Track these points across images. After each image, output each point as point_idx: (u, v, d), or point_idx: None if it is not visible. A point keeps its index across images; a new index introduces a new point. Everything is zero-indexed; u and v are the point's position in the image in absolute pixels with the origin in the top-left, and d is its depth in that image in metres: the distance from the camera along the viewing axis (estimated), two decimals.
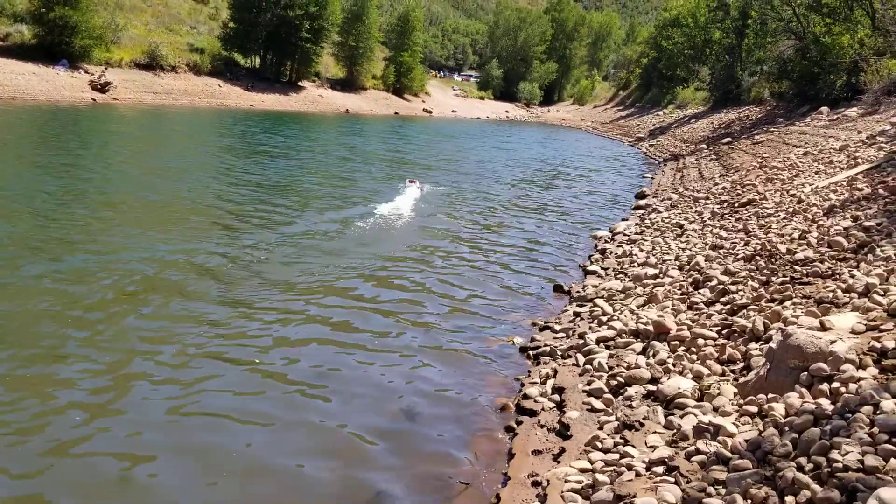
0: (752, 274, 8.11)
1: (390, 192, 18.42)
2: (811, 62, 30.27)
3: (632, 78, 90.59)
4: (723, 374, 5.86)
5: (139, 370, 6.69)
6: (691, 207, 15.26)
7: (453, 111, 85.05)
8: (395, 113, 70.31)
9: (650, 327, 7.19)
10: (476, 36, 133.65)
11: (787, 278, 7.43)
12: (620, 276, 10.55)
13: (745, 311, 6.98)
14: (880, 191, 9.98)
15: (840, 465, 3.73)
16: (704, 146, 31.68)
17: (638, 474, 4.57)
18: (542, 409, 6.23)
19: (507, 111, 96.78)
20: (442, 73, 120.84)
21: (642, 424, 5.33)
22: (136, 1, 57.65)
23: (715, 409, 5.23)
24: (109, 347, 7.13)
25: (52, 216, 12.33)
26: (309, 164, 23.87)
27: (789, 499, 3.68)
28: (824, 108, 26.52)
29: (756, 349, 5.90)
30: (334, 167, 23.72)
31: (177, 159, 22.13)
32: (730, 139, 30.03)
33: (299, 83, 65.06)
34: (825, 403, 4.44)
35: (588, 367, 6.81)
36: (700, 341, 6.56)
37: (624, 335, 7.40)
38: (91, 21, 42.88)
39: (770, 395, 4.95)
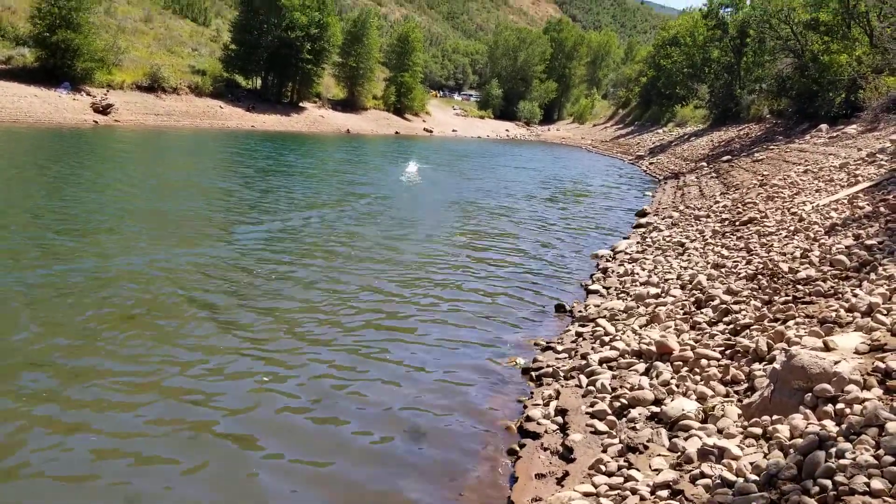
0: (755, 293, 8.10)
1: (398, 197, 18.74)
2: (810, 80, 30.39)
3: (631, 96, 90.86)
4: (727, 396, 5.83)
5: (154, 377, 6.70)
6: (692, 226, 15.27)
7: (454, 130, 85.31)
8: (396, 133, 70.56)
9: (653, 348, 7.16)
10: (476, 56, 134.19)
11: (790, 298, 7.41)
12: (622, 295, 10.54)
13: (748, 331, 6.96)
14: (881, 209, 9.98)
15: (846, 488, 3.70)
16: (704, 164, 31.73)
17: (642, 498, 4.54)
18: (545, 432, 6.20)
19: (507, 130, 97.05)
20: (442, 92, 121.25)
21: (646, 447, 5.30)
22: (138, 24, 58.09)
23: (719, 431, 5.20)
24: (139, 353, 7.36)
25: (81, 231, 13.07)
26: (320, 181, 23.95)
27: None
28: (824, 126, 26.59)
29: (760, 370, 5.87)
30: (347, 184, 23.76)
31: (192, 177, 22.39)
32: (730, 157, 30.09)
33: (300, 104, 65.35)
34: (830, 425, 4.42)
35: (591, 388, 6.78)
36: (703, 362, 6.53)
37: (627, 356, 7.38)
38: (93, 44, 43.16)
39: (774, 417, 4.92)
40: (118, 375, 7.00)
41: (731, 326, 7.28)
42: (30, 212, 14.22)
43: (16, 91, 37.96)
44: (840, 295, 7.02)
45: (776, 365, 5.29)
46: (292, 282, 10.96)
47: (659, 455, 5.13)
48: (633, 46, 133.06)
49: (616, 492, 4.74)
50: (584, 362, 7.54)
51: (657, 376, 6.55)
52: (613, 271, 12.47)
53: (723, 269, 9.98)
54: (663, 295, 9.65)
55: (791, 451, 4.31)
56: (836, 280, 7.55)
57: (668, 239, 14.27)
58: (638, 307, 9.37)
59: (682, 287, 9.80)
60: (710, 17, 50.21)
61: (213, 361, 7.60)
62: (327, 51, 65.04)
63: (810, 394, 4.84)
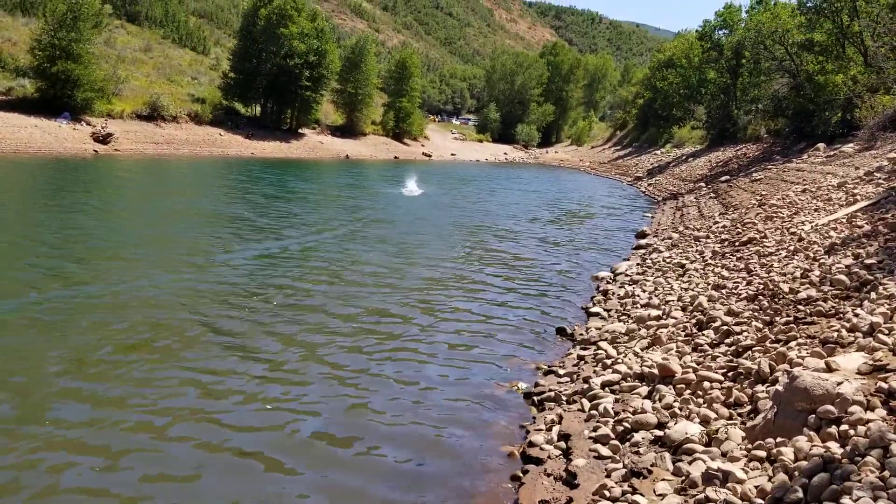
0: (756, 314, 8.08)
1: (401, 221, 19.00)
2: (806, 99, 30.57)
3: (628, 118, 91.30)
4: (730, 418, 5.80)
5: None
6: (692, 247, 15.28)
7: (452, 154, 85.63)
8: (395, 157, 70.80)
9: (655, 370, 7.14)
10: (473, 80, 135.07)
11: (791, 318, 7.40)
12: (623, 317, 10.52)
13: (750, 352, 6.93)
14: (880, 228, 10.00)
15: None
16: (703, 184, 31.84)
17: None
18: (549, 457, 6.16)
19: (505, 153, 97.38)
20: (440, 117, 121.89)
21: (650, 471, 5.26)
22: (137, 53, 58.53)
23: (723, 455, 5.16)
24: (156, 378, 7.52)
25: (93, 257, 13.43)
26: (323, 205, 24.02)
27: None
28: (821, 145, 26.70)
29: (763, 391, 5.85)
30: (350, 209, 23.81)
31: (197, 203, 22.51)
32: (728, 177, 30.19)
33: (299, 130, 65.63)
34: (834, 447, 4.39)
35: (594, 412, 6.74)
36: (706, 384, 6.50)
37: (629, 379, 7.35)
38: (93, 74, 43.40)
39: (778, 439, 4.89)
40: (136, 398, 7.17)
41: (733, 348, 7.26)
42: (43, 240, 14.47)
43: (16, 122, 38.13)
44: (841, 315, 7.01)
45: (779, 387, 5.27)
46: (297, 305, 11.14)
47: (663, 479, 5.09)
48: (630, 69, 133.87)
49: None
50: (586, 386, 7.52)
51: (660, 399, 6.52)
52: (614, 293, 12.46)
53: (723, 291, 9.97)
54: (664, 317, 9.64)
55: (796, 473, 4.29)
56: (837, 300, 7.54)
57: (668, 260, 14.28)
58: (639, 329, 9.35)
59: (683, 309, 9.78)
60: (705, 39, 50.60)
61: (225, 384, 7.78)
62: (326, 77, 65.45)
63: (814, 415, 4.82)
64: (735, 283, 10.21)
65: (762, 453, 4.87)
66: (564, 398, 7.45)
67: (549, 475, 5.83)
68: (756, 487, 4.39)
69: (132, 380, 7.67)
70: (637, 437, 5.94)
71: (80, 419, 6.67)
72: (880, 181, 14.54)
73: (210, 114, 54.78)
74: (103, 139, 41.13)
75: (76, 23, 41.94)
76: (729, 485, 4.57)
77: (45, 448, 6.10)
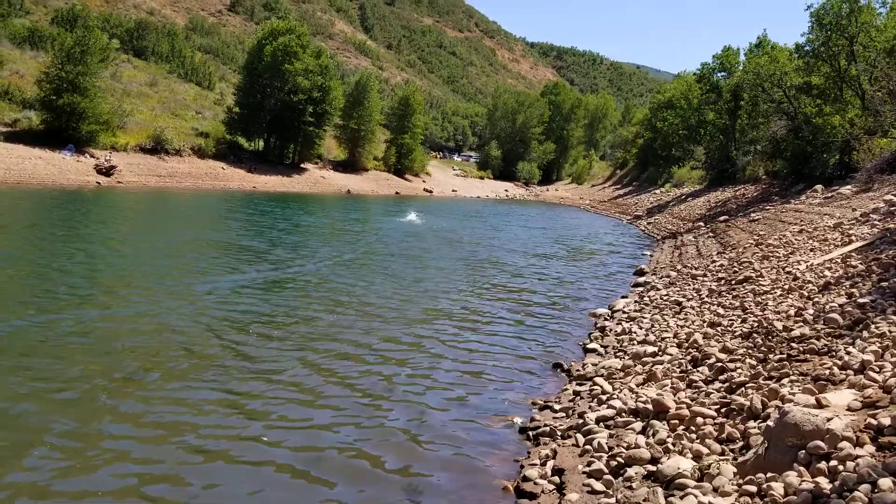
0: (750, 351, 8.14)
1: (404, 255, 19.03)
2: (804, 141, 30.89)
3: (628, 157, 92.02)
4: (722, 454, 5.83)
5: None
6: (689, 285, 15.34)
7: (454, 190, 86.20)
8: (397, 193, 71.26)
9: (649, 406, 7.17)
10: (475, 118, 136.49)
11: (784, 355, 7.46)
12: (620, 353, 10.56)
13: (743, 388, 6.98)
14: (874, 267, 10.10)
15: None
16: (702, 224, 32.00)
17: None
18: (542, 492, 6.17)
19: (506, 190, 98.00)
20: (442, 153, 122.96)
21: None
22: (143, 87, 59.39)
23: (715, 490, 5.19)
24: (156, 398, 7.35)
25: (99, 286, 13.20)
26: (327, 239, 24.18)
27: None
28: (819, 186, 26.92)
29: (755, 427, 5.89)
30: (354, 243, 23.96)
31: (202, 235, 22.59)
32: (726, 217, 30.38)
33: (302, 165, 66.20)
34: (823, 482, 4.43)
35: (588, 447, 6.76)
36: (699, 420, 6.54)
37: (623, 414, 7.38)
38: (98, 107, 43.98)
39: (769, 475, 4.92)
40: (152, 416, 7.14)
41: (727, 384, 7.31)
42: (53, 269, 14.67)
43: (20, 153, 38.54)
44: (833, 353, 7.08)
45: (770, 422, 5.31)
46: (297, 333, 11.28)
47: None
48: (630, 109, 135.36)
49: None
50: (581, 421, 7.53)
51: (653, 435, 6.55)
52: (611, 330, 12.51)
53: (719, 328, 10.03)
54: (660, 353, 9.68)
55: None
56: (830, 338, 7.60)
57: (665, 298, 14.34)
58: (635, 366, 9.39)
59: (679, 345, 9.83)
60: (704, 82, 51.24)
61: (226, 406, 7.91)
62: (329, 113, 66.21)
63: (804, 451, 4.86)
64: (730, 320, 10.27)
65: (753, 488, 4.90)
66: (559, 433, 7.46)
67: None
68: None
69: (148, 401, 7.81)
70: (630, 471, 5.96)
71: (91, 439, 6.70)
72: (876, 222, 14.67)
73: (213, 148, 55.37)
74: (107, 171, 41.52)
75: (84, 56, 42.63)
76: None
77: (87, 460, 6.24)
